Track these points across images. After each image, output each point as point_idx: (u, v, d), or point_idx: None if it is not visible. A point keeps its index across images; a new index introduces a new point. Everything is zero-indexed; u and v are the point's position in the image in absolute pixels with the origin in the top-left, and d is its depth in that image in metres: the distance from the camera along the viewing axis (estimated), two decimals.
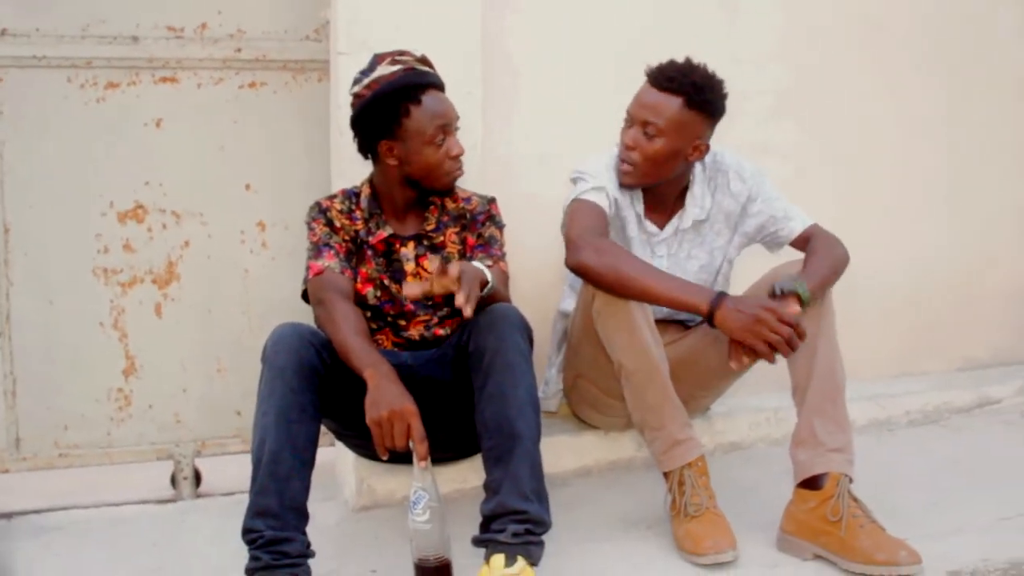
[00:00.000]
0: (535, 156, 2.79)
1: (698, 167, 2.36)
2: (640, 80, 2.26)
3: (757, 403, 2.82)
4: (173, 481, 2.70)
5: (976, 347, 3.37)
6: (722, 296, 2.01)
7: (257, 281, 2.73)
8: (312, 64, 2.69)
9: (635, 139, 2.23)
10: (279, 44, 2.67)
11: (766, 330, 1.97)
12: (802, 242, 2.33)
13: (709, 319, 2.01)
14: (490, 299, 2.01)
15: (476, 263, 1.99)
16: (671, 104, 2.19)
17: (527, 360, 1.96)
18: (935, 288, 3.29)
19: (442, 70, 2.23)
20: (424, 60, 2.16)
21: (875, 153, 3.19)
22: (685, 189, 2.37)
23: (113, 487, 2.66)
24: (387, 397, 1.83)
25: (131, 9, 2.58)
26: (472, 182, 2.46)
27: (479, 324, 1.94)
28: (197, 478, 2.71)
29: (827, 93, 3.10)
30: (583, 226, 2.14)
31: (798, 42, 3.06)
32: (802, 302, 2.03)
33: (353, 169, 2.40)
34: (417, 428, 1.82)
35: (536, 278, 2.72)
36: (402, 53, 2.14)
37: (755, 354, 2.01)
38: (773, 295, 2.05)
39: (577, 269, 2.10)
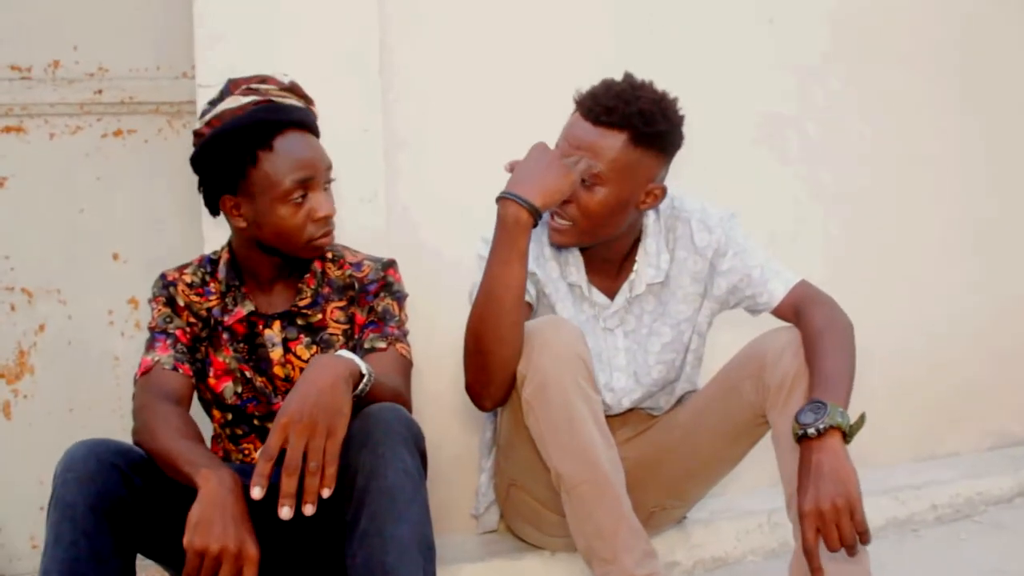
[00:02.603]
0: (454, 207, 2.30)
1: (651, 215, 1.88)
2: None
3: (746, 505, 2.32)
4: None
5: (1012, 418, 2.93)
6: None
7: (130, 371, 2.27)
8: (190, 106, 2.29)
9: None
10: (149, 83, 2.31)
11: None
12: (788, 310, 1.82)
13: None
14: (372, 396, 1.50)
15: (344, 352, 1.49)
16: (613, 142, 1.71)
17: (415, 483, 1.43)
18: (960, 351, 2.84)
19: (329, 102, 1.80)
20: (293, 89, 1.69)
21: (884, 198, 2.76)
22: (636, 243, 1.89)
23: None
24: (222, 524, 1.36)
25: None
26: (374, 241, 2.04)
27: (348, 432, 1.43)
28: None
29: (827, 132, 2.70)
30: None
31: (786, 77, 2.66)
32: (846, 436, 1.52)
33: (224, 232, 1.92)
34: None
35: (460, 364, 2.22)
36: (264, 79, 1.67)
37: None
38: (804, 436, 1.52)
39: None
